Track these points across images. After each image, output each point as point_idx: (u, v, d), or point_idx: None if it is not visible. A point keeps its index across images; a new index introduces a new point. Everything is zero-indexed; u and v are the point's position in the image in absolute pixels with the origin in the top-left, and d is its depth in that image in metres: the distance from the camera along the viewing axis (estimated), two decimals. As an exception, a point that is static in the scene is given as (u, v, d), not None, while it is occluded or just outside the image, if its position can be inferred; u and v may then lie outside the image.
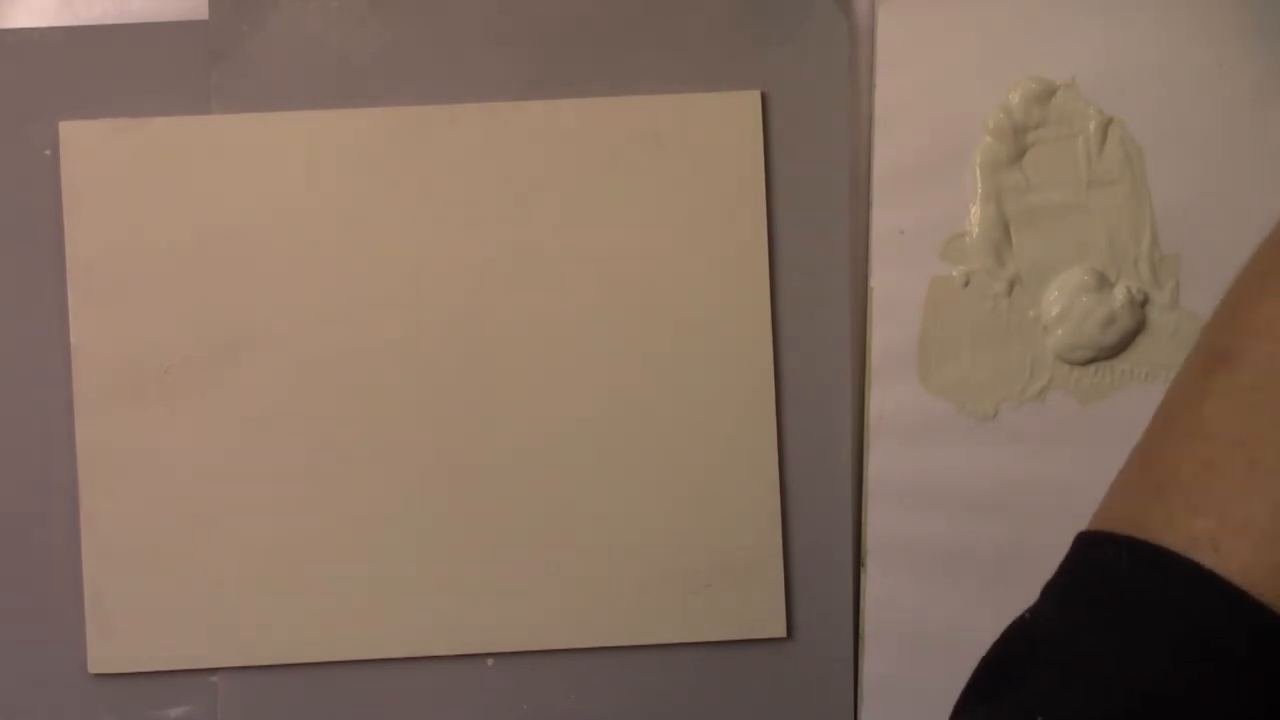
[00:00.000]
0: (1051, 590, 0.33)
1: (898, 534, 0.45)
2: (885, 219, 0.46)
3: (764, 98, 0.46)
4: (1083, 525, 0.46)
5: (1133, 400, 0.46)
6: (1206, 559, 0.28)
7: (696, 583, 0.46)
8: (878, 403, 0.46)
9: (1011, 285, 0.46)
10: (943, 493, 0.45)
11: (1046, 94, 0.46)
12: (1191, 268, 0.46)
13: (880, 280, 0.46)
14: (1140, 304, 0.46)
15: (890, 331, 0.46)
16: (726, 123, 0.46)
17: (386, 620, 0.45)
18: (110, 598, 0.45)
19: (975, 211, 0.46)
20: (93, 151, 0.46)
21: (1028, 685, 0.30)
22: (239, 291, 0.45)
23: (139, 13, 0.46)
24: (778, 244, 0.46)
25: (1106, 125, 0.46)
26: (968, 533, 0.45)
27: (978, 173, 0.46)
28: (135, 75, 0.46)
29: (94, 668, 0.45)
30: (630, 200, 0.46)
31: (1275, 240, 0.33)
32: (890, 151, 0.46)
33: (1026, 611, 0.33)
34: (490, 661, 0.46)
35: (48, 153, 0.46)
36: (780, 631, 0.46)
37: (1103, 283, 0.46)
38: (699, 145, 0.46)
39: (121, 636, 0.45)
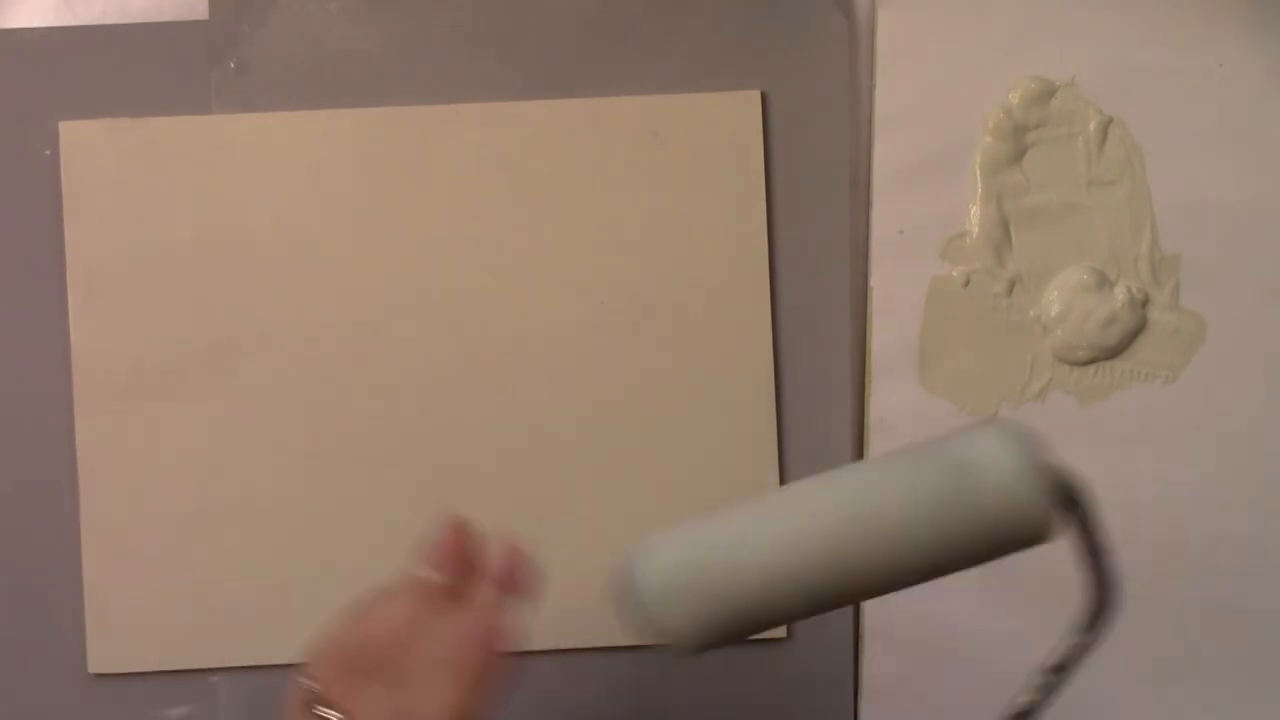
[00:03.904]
0: None
1: (898, 534, 0.45)
2: (885, 219, 0.46)
3: (764, 98, 0.46)
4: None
5: (1133, 400, 0.46)
6: None
7: (696, 583, 0.45)
8: (878, 403, 0.46)
9: (1011, 285, 0.46)
10: (943, 493, 0.45)
11: (1046, 94, 0.46)
12: (1191, 268, 0.46)
13: (880, 280, 0.46)
14: (1140, 304, 0.46)
15: (890, 331, 0.46)
16: (726, 123, 0.46)
17: (386, 620, 0.45)
18: (110, 598, 0.45)
19: (975, 211, 0.46)
20: (93, 151, 0.46)
21: None
22: (238, 291, 0.45)
23: (139, 13, 0.46)
24: (778, 244, 0.46)
25: (1106, 125, 0.46)
26: (968, 533, 0.45)
27: (978, 173, 0.46)
28: (135, 75, 0.46)
29: (94, 668, 0.45)
30: (630, 200, 0.46)
31: None
32: (890, 151, 0.46)
33: None
34: (490, 661, 0.46)
35: (48, 153, 0.46)
36: (780, 631, 0.46)
37: (1103, 283, 0.46)
38: (699, 145, 0.46)
39: (121, 636, 0.45)
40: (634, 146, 0.46)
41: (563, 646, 0.46)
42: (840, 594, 0.31)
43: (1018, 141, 0.46)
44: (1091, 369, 0.46)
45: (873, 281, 0.46)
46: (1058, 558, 0.46)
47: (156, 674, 0.46)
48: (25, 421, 0.46)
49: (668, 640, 0.31)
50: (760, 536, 0.30)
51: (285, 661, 0.46)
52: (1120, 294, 0.45)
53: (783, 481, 0.46)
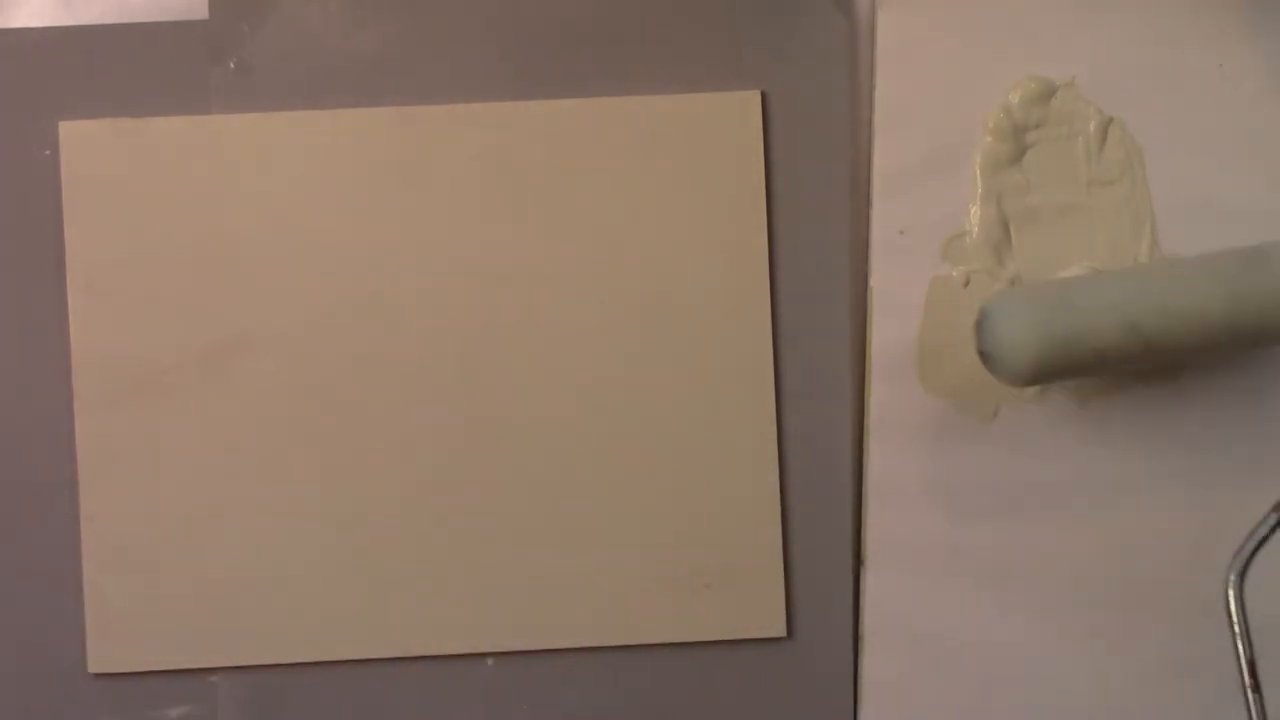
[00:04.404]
0: None
1: (898, 534, 0.45)
2: (885, 219, 0.46)
3: (764, 98, 0.46)
4: (1082, 524, 0.46)
5: (1132, 400, 0.46)
6: None
7: (696, 583, 0.46)
8: (878, 403, 0.46)
9: (1011, 285, 0.46)
10: (943, 493, 0.45)
11: (1046, 94, 0.46)
12: (1191, 268, 0.46)
13: (880, 280, 0.46)
14: (1140, 304, 0.46)
15: (890, 331, 0.46)
16: (726, 123, 0.46)
17: (386, 620, 0.45)
18: (110, 598, 0.45)
19: (975, 211, 0.46)
20: (93, 151, 0.46)
21: None
22: (239, 291, 0.45)
23: (139, 13, 0.46)
24: (778, 244, 0.46)
25: (1106, 125, 0.46)
26: (968, 533, 0.45)
27: (978, 173, 0.46)
28: (135, 75, 0.46)
29: (94, 668, 0.45)
30: (630, 200, 0.46)
31: None
32: (890, 151, 0.46)
33: None
34: (490, 661, 0.46)
35: (48, 153, 0.46)
36: (780, 631, 0.46)
37: (1103, 283, 0.46)
38: (699, 145, 0.46)
39: (121, 636, 0.45)
40: (634, 146, 0.46)
41: (563, 646, 0.46)
42: (1153, 347, 0.40)
43: (1018, 141, 0.46)
44: (1091, 369, 0.46)
45: (873, 281, 0.46)
46: (1058, 559, 0.46)
47: (156, 674, 0.46)
48: (25, 421, 0.46)
49: (1011, 367, 0.41)
50: (1092, 289, 0.41)
51: (285, 661, 0.46)
52: (1120, 294, 0.45)
53: (782, 482, 0.46)
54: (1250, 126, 0.46)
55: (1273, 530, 0.40)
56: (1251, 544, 0.40)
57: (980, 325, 0.42)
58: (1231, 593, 0.39)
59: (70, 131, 0.46)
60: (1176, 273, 0.41)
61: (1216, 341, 0.41)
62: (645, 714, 0.46)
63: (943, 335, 0.46)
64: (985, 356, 0.42)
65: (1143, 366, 0.42)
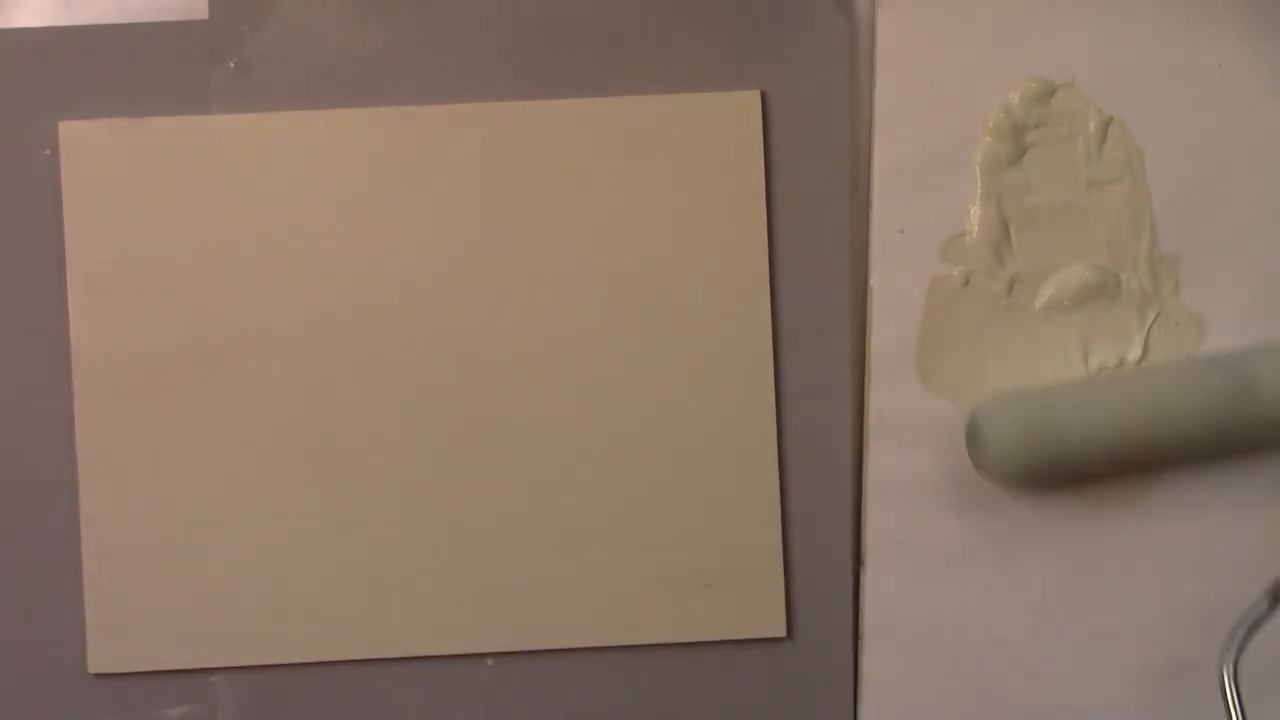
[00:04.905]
0: None
1: (898, 534, 0.45)
2: (885, 219, 0.46)
3: (764, 98, 0.46)
4: (1081, 524, 0.46)
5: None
6: None
7: (696, 583, 0.46)
8: (878, 403, 0.46)
9: (1011, 285, 0.46)
10: (943, 493, 0.45)
11: (1046, 94, 0.46)
12: (1191, 268, 0.46)
13: (880, 280, 0.46)
14: (1140, 304, 0.46)
15: (890, 331, 0.46)
16: (726, 123, 0.46)
17: (386, 620, 0.45)
18: (110, 598, 0.45)
19: (975, 211, 0.46)
20: (93, 151, 0.46)
21: None
22: (239, 291, 0.46)
23: (139, 13, 0.46)
24: (778, 244, 0.46)
25: (1106, 125, 0.46)
26: (968, 533, 0.45)
27: (978, 173, 0.46)
28: (135, 75, 0.46)
29: (94, 668, 0.45)
30: (630, 200, 0.46)
31: None
32: (890, 151, 0.46)
33: None
34: (490, 661, 0.46)
35: (48, 153, 0.46)
36: (780, 631, 0.46)
37: (1103, 283, 0.46)
38: (699, 145, 0.46)
39: (121, 636, 0.45)
40: (634, 146, 0.46)
41: (563, 646, 0.46)
42: (1137, 459, 0.43)
43: (1018, 141, 0.46)
44: (1091, 369, 0.46)
45: (873, 281, 0.46)
46: (1058, 558, 0.46)
47: (156, 674, 0.46)
48: (25, 421, 0.46)
49: (1004, 475, 0.43)
50: (1081, 402, 0.43)
51: (285, 661, 0.46)
52: (1120, 294, 0.46)
53: (782, 482, 0.46)
54: (1250, 126, 0.46)
55: (1265, 615, 0.40)
56: (1244, 628, 0.40)
57: (969, 438, 0.44)
58: (1227, 678, 0.39)
59: (70, 131, 0.46)
60: (1161, 402, 0.42)
61: (1201, 458, 0.44)
62: (645, 714, 0.46)
63: (943, 335, 0.46)
64: (975, 464, 0.44)
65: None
